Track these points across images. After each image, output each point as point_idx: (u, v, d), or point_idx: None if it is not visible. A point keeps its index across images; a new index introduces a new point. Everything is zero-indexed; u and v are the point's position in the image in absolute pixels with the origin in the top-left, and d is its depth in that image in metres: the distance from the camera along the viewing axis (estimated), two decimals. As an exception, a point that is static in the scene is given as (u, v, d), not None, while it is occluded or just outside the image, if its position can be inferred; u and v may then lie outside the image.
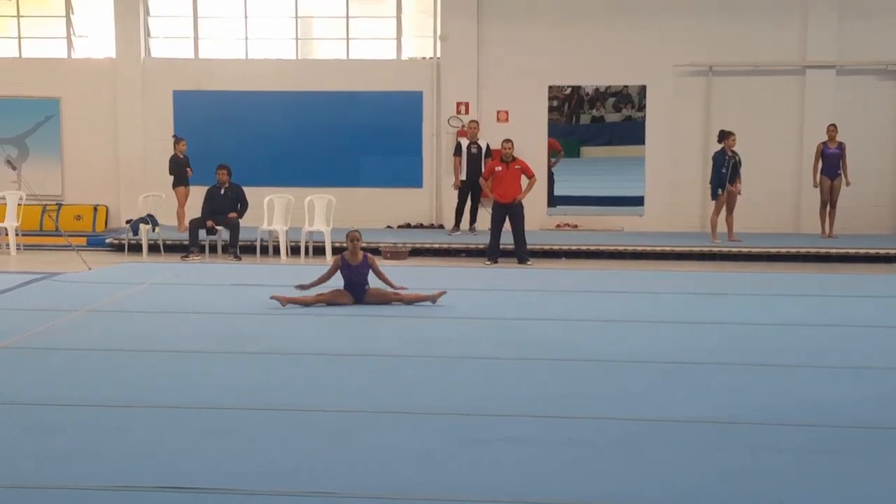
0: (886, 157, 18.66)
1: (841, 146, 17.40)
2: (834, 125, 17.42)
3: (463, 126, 18.94)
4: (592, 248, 16.94)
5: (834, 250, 16.56)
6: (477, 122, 18.34)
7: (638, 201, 19.52)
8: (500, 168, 15.91)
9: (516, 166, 15.91)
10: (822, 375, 8.37)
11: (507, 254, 15.96)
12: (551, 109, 20.02)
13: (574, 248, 16.97)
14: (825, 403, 7.44)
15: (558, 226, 19.14)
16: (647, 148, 19.25)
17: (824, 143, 17.45)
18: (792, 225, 18.68)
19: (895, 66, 18.43)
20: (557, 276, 14.49)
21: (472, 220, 18.19)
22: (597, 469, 5.96)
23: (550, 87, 19.76)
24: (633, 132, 22.34)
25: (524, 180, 16.00)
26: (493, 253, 15.85)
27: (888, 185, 18.73)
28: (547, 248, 16.97)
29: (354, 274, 10.99)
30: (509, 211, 15.76)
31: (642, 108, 20.56)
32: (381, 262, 15.83)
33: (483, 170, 17.13)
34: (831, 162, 17.40)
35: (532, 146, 18.76)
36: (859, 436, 6.68)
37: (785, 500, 5.45)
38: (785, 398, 7.58)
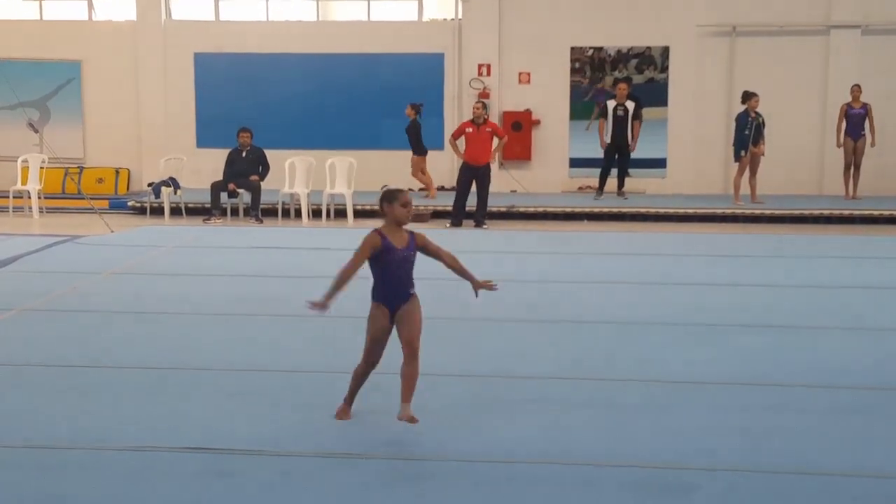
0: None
1: (865, 107, 17.23)
2: (858, 85, 17.24)
3: (485, 88, 18.85)
4: (614, 210, 16.87)
5: (857, 212, 16.44)
6: (626, 84, 18.18)
7: (660, 163, 19.41)
8: (470, 130, 15.79)
9: (487, 129, 15.77)
10: (845, 337, 8.35)
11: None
12: (573, 71, 19.84)
13: (596, 210, 16.91)
14: (847, 365, 7.42)
15: (580, 188, 19.07)
16: (670, 110, 19.12)
17: (848, 104, 17.28)
18: (815, 186, 18.53)
19: (922, 26, 18.18)
20: (581, 239, 14.45)
21: (620, 184, 17.90)
22: (620, 429, 5.97)
23: (572, 49, 19.62)
24: (655, 94, 22.16)
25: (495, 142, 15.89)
26: (458, 216, 15.80)
27: None
28: (569, 210, 16.93)
29: (401, 262, 6.08)
30: (476, 173, 15.67)
31: (665, 69, 20.40)
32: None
33: (631, 133, 17.29)
34: (855, 122, 17.24)
35: (555, 108, 18.69)
36: (882, 397, 6.66)
37: (806, 460, 5.45)
38: (807, 359, 7.56)
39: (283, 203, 16.76)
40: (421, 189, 18.30)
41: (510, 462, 5.45)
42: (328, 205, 16.65)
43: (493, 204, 16.45)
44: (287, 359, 7.54)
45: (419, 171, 17.95)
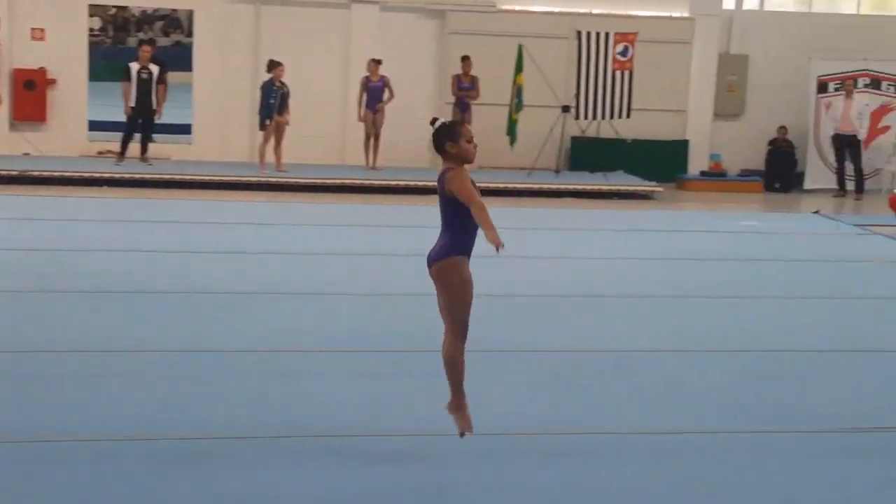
0: (427, 92, 19.36)
1: (383, 79, 17.87)
2: (374, 60, 17.81)
3: (-4, 43, 17.43)
4: (137, 176, 16.28)
5: (377, 182, 17.08)
6: (150, 46, 17.25)
7: (186, 129, 19.01)
8: None
9: None
10: (362, 302, 8.62)
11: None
12: (97, 31, 18.90)
13: (117, 176, 16.21)
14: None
15: (100, 153, 18.19)
16: (195, 75, 18.77)
17: (367, 77, 17.85)
18: (338, 156, 19.01)
19: (435, 6, 19.14)
20: (101, 205, 13.83)
21: (144, 149, 17.06)
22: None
23: (93, 7, 18.64)
24: (182, 58, 21.65)
25: None
26: None
27: (427, 119, 19.48)
28: (88, 175, 16.12)
29: None
30: None
31: (192, 33, 20.01)
32: None
33: (155, 97, 16.73)
34: (374, 95, 17.83)
35: (73, 67, 17.71)
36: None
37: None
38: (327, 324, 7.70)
39: None
40: None
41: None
42: None
43: (2, 167, 15.26)
44: None
45: None
